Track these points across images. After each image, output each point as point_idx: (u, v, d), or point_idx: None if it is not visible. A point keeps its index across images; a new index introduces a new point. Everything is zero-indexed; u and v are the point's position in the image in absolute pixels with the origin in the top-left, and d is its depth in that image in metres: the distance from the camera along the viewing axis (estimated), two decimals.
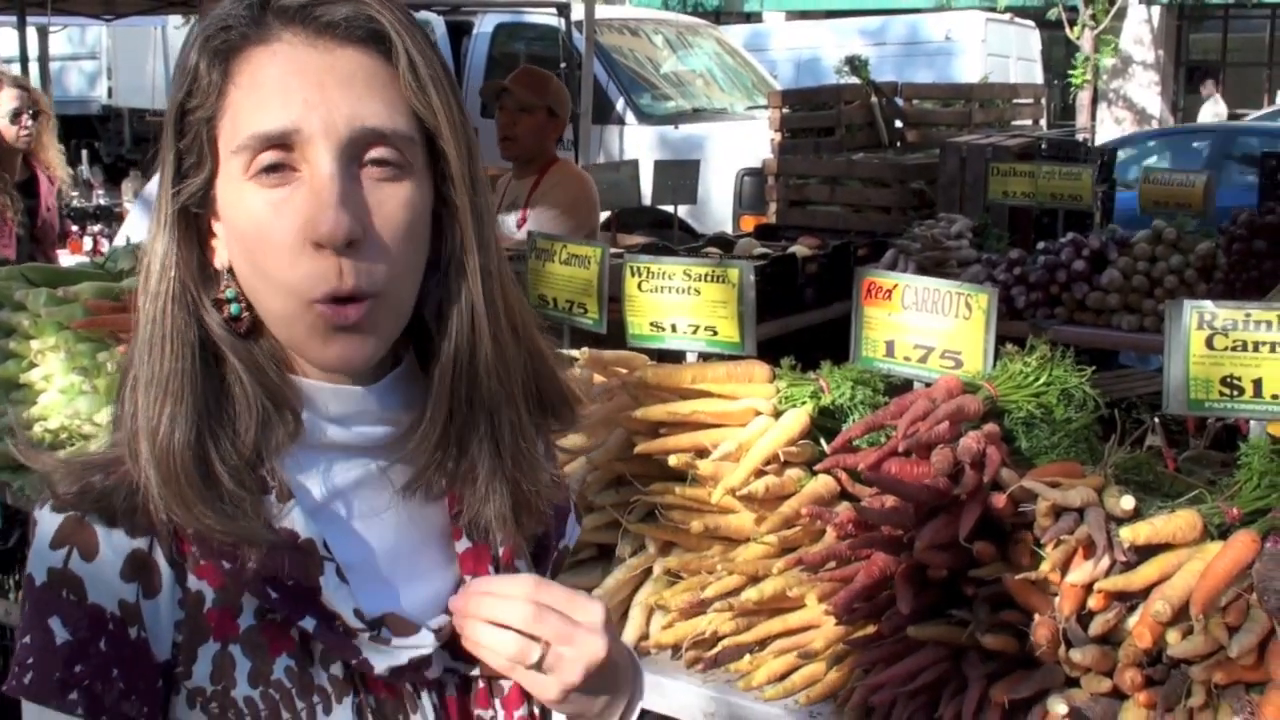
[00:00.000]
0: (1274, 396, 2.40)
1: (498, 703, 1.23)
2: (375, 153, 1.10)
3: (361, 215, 1.08)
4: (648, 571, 2.50)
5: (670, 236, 6.25)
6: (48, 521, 1.11)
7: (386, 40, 1.11)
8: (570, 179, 5.22)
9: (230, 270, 1.14)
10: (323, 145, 1.08)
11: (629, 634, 2.47)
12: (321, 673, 1.14)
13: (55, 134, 6.29)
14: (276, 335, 1.14)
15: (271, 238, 1.09)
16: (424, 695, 1.19)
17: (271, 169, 1.09)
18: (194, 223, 1.14)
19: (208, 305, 1.13)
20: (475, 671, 1.21)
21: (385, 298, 1.11)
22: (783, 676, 2.33)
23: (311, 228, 1.07)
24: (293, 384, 1.15)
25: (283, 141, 1.08)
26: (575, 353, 2.73)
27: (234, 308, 1.14)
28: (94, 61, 19.30)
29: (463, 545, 1.23)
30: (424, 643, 1.16)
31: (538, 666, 1.12)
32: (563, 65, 9.64)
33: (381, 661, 1.15)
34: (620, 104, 10.82)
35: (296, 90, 1.08)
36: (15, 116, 5.86)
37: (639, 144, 10.35)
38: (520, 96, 5.03)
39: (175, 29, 15.47)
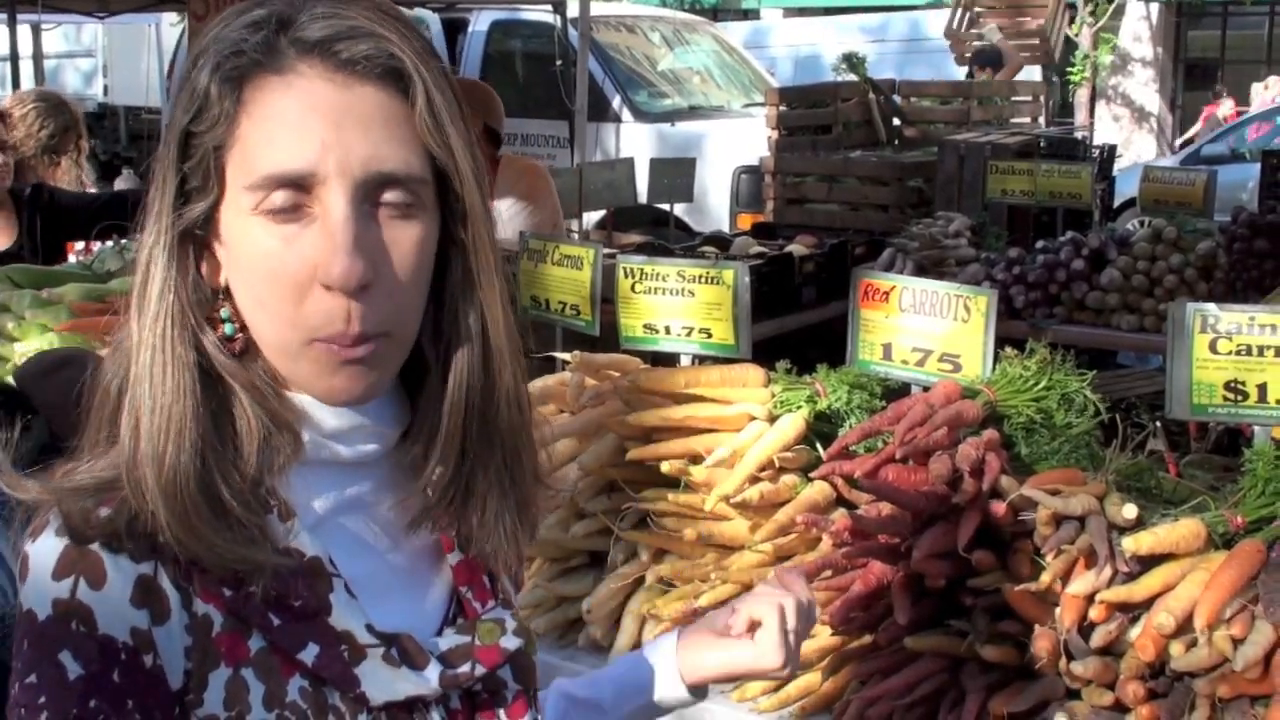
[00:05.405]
0: (1278, 401, 2.36)
1: (502, 713, 1.23)
2: (389, 195, 1.08)
3: (374, 256, 1.07)
4: (640, 580, 2.46)
5: (667, 235, 6.22)
6: (46, 552, 1.07)
7: (405, 77, 1.08)
8: (522, 170, 5.15)
9: (226, 290, 1.12)
10: (337, 187, 1.06)
11: (621, 643, 2.43)
12: (334, 692, 1.12)
13: (78, 154, 5.93)
14: (274, 365, 1.12)
15: (279, 274, 1.07)
16: (433, 710, 1.19)
17: (283, 206, 1.07)
18: (190, 240, 1.12)
19: (204, 327, 1.11)
20: (478, 686, 1.21)
21: (393, 336, 1.11)
22: (777, 687, 2.28)
23: (324, 271, 1.06)
24: (289, 402, 1.13)
25: (297, 183, 1.06)
26: (567, 355, 2.69)
27: (228, 328, 1.12)
28: (90, 59, 19.24)
29: (454, 557, 1.24)
30: (427, 684, 1.16)
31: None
32: (558, 62, 9.60)
33: (380, 694, 1.13)
34: (616, 101, 10.77)
35: (313, 130, 1.06)
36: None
37: (635, 142, 10.30)
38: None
39: (170, 26, 15.43)
